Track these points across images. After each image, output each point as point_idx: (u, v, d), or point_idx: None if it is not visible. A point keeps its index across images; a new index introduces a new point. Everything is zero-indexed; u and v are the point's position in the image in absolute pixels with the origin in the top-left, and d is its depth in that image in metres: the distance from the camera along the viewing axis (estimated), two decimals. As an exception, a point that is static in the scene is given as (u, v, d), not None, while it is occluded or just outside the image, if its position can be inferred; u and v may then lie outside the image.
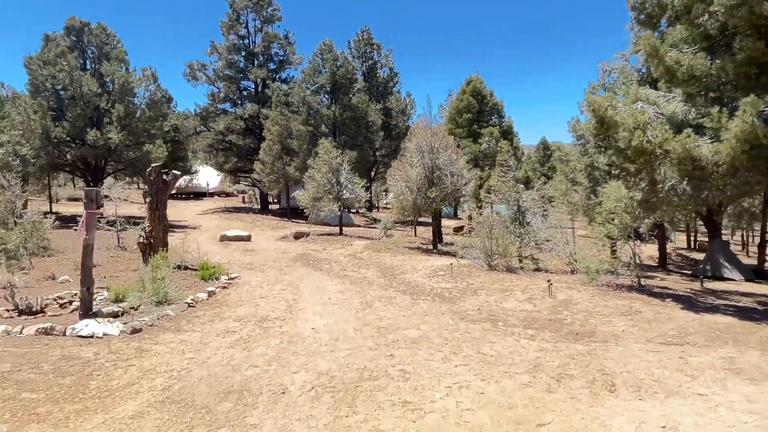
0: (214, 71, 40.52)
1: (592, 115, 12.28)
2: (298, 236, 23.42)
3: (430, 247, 22.33)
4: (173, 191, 53.71)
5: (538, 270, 15.38)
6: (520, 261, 15.77)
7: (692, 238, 37.00)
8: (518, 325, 8.89)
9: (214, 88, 41.15)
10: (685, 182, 11.52)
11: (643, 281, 13.27)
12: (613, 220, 12.77)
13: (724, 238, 26.21)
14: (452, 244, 24.80)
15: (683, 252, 32.53)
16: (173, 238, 18.88)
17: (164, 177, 13.83)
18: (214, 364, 6.62)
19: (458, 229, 33.53)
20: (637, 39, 19.99)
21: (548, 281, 11.60)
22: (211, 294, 11.06)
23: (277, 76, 42.32)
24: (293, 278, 13.53)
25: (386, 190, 49.98)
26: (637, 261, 13.14)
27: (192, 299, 10.32)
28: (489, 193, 18.25)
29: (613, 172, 18.76)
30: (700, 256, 28.49)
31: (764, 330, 9.66)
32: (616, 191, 13.40)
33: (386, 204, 52.87)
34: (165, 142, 33.08)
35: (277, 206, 45.93)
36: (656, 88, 15.56)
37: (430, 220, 25.05)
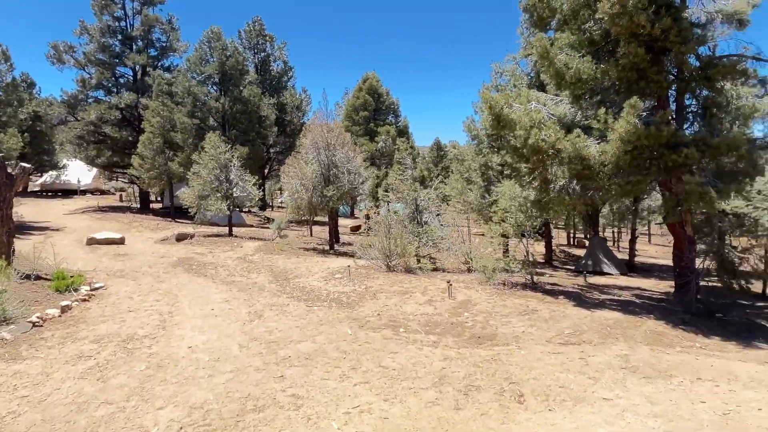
0: (85, 55, 36.07)
1: (489, 112, 12.23)
2: (180, 238, 21.36)
3: (327, 247, 21.51)
4: (37, 189, 47.53)
5: (436, 270, 15.21)
6: (419, 261, 15.50)
7: (572, 236, 39.85)
8: (420, 331, 8.38)
9: (84, 74, 36.66)
10: (575, 182, 11.85)
11: (535, 279, 13.56)
12: (508, 218, 12.85)
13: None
14: (350, 244, 24.19)
15: (565, 248, 34.84)
16: (26, 242, 16.16)
17: (9, 171, 11.57)
18: (55, 404, 5.26)
19: (355, 229, 33.07)
20: (527, 43, 20.81)
21: (448, 282, 11.32)
22: (65, 309, 9.29)
23: (159, 64, 38.80)
24: (171, 286, 11.99)
25: (280, 189, 48.22)
26: (530, 259, 13.37)
27: (39, 317, 8.52)
28: (387, 192, 17.86)
29: (505, 171, 19.30)
30: (579, 252, 30.60)
31: (646, 324, 10.12)
32: (511, 190, 13.56)
33: (281, 203, 51.01)
34: (22, 131, 28.78)
35: (159, 205, 42.32)
36: (545, 91, 16.09)
37: (326, 219, 24.23)
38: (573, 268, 21.86)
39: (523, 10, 13.59)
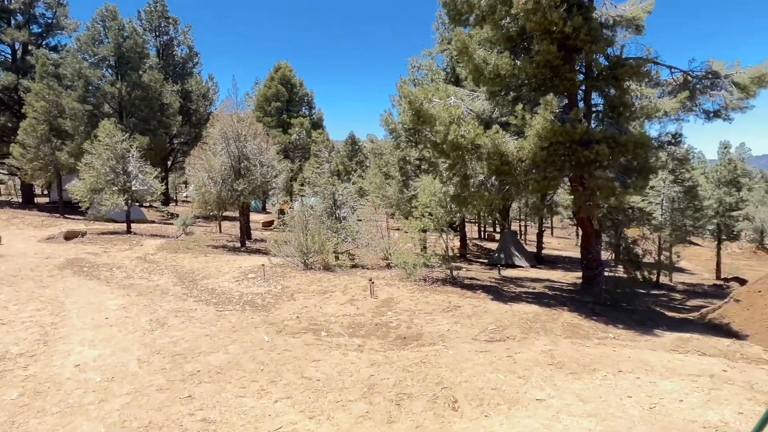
0: (-51, 28, 31.50)
1: (408, 107, 11.95)
2: (70, 236, 19.12)
3: (238, 245, 20.31)
4: None
5: (355, 267, 14.77)
6: (337, 258, 14.98)
7: (482, 229, 41.28)
8: (343, 334, 7.88)
9: (-50, 50, 32.02)
10: (494, 177, 11.93)
11: (454, 273, 13.56)
12: (429, 214, 12.69)
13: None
14: (263, 240, 23.09)
15: (477, 242, 35.95)
16: None
17: None
18: None
19: (268, 224, 31.77)
20: (443, 38, 20.92)
21: (370, 280, 10.91)
22: None
23: (44, 42, 34.73)
24: (57, 292, 10.49)
25: (186, 182, 45.38)
26: (450, 254, 13.34)
27: None
28: (303, 186, 17.11)
29: (422, 166, 19.28)
30: (491, 245, 31.67)
31: (562, 316, 10.36)
32: (430, 185, 13.42)
33: (186, 197, 47.99)
34: None
35: (46, 199, 38.11)
36: (462, 87, 16.17)
37: (236, 214, 22.92)
38: (486, 261, 22.45)
39: (442, 4, 13.45)
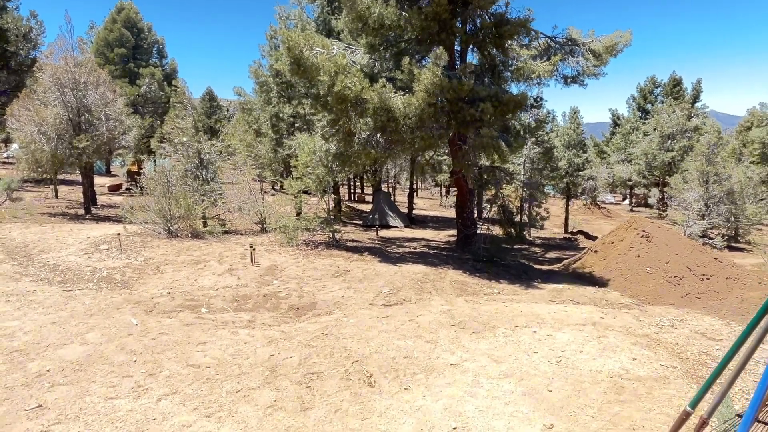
0: None
1: (287, 53, 10.83)
2: None
3: (81, 212, 17.50)
4: None
5: (227, 233, 13.45)
6: (205, 224, 13.52)
7: (352, 191, 41.18)
8: (228, 309, 6.92)
9: None
10: (379, 134, 11.44)
11: (337, 236, 13.02)
12: (310, 173, 11.87)
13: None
14: (112, 206, 20.33)
15: (348, 204, 35.75)
16: None
17: None
18: None
19: (115, 188, 28.13)
20: (316, -14, 19.59)
21: (250, 246, 9.88)
22: None
23: None
24: None
25: (7, 139, 38.27)
26: (331, 216, 12.72)
27: None
28: (162, 143, 15.03)
29: (296, 124, 18.14)
30: (362, 206, 31.64)
31: (448, 274, 10.43)
32: (310, 143, 12.55)
33: (7, 158, 40.51)
34: None
35: None
36: (339, 41, 15.27)
37: (76, 178, 19.71)
38: (361, 222, 22.28)
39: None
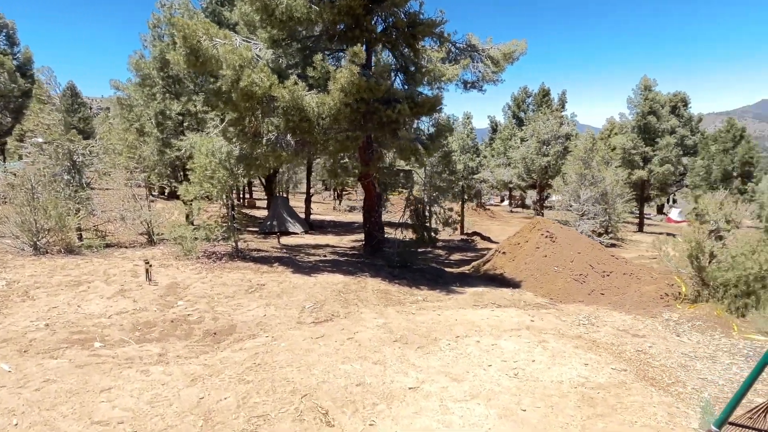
0: None
1: (182, 43, 9.59)
2: None
3: None
4: None
5: (109, 246, 11.66)
6: (81, 237, 11.62)
7: (242, 196, 38.95)
8: (130, 341, 5.75)
9: None
10: (290, 135, 10.61)
11: (240, 246, 11.90)
12: (210, 178, 10.66)
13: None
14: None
15: (239, 209, 33.67)
16: None
17: None
18: None
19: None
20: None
21: (146, 262, 8.49)
22: None
23: None
24: None
25: None
26: (235, 224, 11.59)
27: None
28: (22, 142, 12.65)
29: (185, 123, 16.45)
30: (254, 212, 29.98)
31: (368, 283, 9.93)
32: (208, 143, 11.32)
33: None
34: None
35: None
36: (236, 32, 14.10)
37: None
38: (257, 229, 20.95)
39: None
